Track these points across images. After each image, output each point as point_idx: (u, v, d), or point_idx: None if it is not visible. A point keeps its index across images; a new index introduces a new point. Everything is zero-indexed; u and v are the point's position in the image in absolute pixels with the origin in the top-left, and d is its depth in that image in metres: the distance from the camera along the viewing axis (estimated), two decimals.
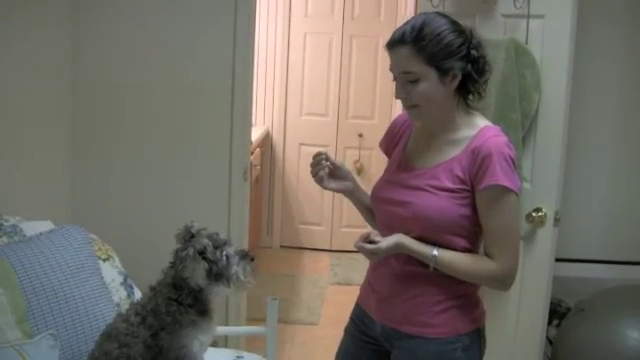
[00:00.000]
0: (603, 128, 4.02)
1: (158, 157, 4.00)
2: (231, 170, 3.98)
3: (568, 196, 3.39)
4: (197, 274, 2.39)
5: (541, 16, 3.15)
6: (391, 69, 2.33)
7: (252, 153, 5.69)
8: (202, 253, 2.40)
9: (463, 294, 2.39)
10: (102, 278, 2.92)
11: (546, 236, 3.24)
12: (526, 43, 3.17)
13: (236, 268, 2.44)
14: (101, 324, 2.66)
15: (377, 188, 2.51)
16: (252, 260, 2.51)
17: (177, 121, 3.96)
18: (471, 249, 2.34)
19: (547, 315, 3.35)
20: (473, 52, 2.29)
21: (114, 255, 3.24)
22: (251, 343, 4.30)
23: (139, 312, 2.46)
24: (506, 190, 2.23)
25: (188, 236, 2.45)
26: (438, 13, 2.36)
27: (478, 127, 2.33)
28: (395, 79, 2.33)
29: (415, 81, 2.27)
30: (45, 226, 3.07)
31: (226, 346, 4.05)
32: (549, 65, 3.14)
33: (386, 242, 2.28)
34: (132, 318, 2.44)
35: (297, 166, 7.22)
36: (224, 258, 2.43)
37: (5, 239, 2.87)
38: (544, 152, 3.21)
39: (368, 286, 2.56)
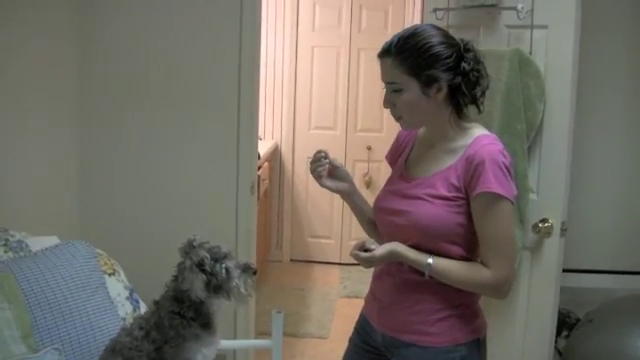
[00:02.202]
0: (609, 137, 4.00)
1: (165, 172, 4.01)
2: (238, 184, 3.98)
3: (575, 206, 3.37)
4: (195, 286, 2.39)
5: (544, 26, 3.15)
6: (381, 79, 2.38)
7: (261, 167, 5.70)
8: (201, 265, 2.40)
9: (462, 303, 2.40)
10: (108, 293, 2.92)
11: (553, 247, 3.22)
12: (530, 53, 3.17)
13: (237, 281, 2.43)
14: (106, 338, 2.65)
15: (379, 199, 2.54)
16: (254, 274, 2.51)
17: (183, 135, 3.96)
18: (468, 257, 2.35)
19: (555, 326, 3.33)
20: (464, 65, 2.31)
21: (120, 269, 3.24)
22: (259, 357, 4.30)
23: (143, 326, 2.45)
24: (499, 197, 2.24)
25: (189, 249, 2.47)
26: (432, 25, 2.39)
27: (473, 136, 2.35)
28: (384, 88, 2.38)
29: (398, 91, 2.32)
30: (51, 241, 3.07)
31: (234, 358, 4.05)
32: (553, 75, 3.13)
33: (380, 250, 2.31)
34: (136, 332, 2.44)
35: (306, 180, 7.22)
36: (224, 271, 2.42)
37: (11, 254, 2.88)
38: (550, 162, 3.20)
39: (371, 295, 2.60)
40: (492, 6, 3.37)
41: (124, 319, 2.98)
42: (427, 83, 2.29)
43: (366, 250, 2.33)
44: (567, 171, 3.17)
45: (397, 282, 2.42)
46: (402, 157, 2.56)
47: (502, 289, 2.33)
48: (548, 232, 3.20)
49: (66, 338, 2.59)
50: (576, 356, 3.51)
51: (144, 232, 4.02)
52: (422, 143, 2.50)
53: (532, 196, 3.22)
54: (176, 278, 2.47)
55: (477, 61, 2.35)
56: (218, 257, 2.44)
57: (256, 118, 4.10)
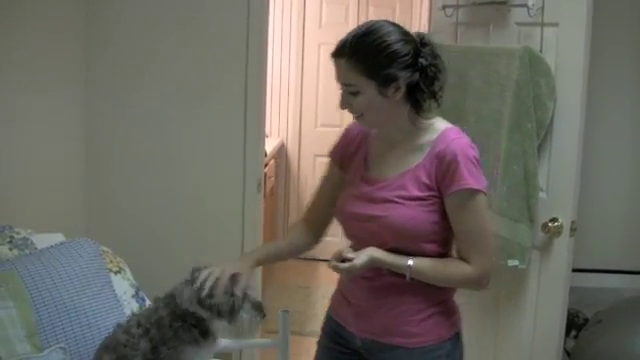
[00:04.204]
0: (619, 136, 3.98)
1: (172, 169, 3.99)
2: (245, 182, 3.97)
3: (585, 206, 3.34)
4: (191, 303, 2.35)
5: (555, 24, 3.12)
6: (336, 79, 2.31)
7: (267, 165, 5.68)
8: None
9: (443, 300, 2.40)
10: (113, 291, 2.90)
11: (562, 246, 3.19)
12: (540, 51, 3.14)
13: (242, 314, 2.36)
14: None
15: (343, 203, 2.46)
16: (263, 317, 2.44)
17: (189, 133, 3.95)
18: (444, 253, 2.35)
19: (564, 326, 3.30)
20: (421, 61, 2.26)
21: (126, 268, 3.23)
22: (265, 356, 4.28)
23: (142, 323, 2.43)
24: (475, 192, 2.24)
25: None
26: (387, 21, 2.31)
27: (438, 130, 2.32)
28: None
29: (355, 93, 2.25)
30: (56, 239, 3.06)
31: (240, 359, 4.03)
32: (564, 73, 3.10)
33: (360, 259, 2.24)
34: (133, 329, 2.41)
35: (312, 177, 7.19)
36: (229, 296, 2.35)
37: (16, 252, 2.87)
38: (560, 161, 3.17)
39: (342, 299, 2.53)
40: (502, 3, 3.34)
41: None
42: (385, 83, 2.23)
43: (344, 260, 2.26)
44: (577, 170, 3.14)
45: (376, 286, 2.36)
46: (358, 158, 2.49)
47: (483, 282, 2.35)
48: (558, 232, 3.17)
49: (71, 337, 2.57)
50: (585, 356, 3.49)
51: (150, 230, 4.00)
52: (381, 142, 2.44)
53: (542, 195, 3.19)
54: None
55: (434, 55, 2.30)
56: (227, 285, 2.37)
57: (263, 116, 4.08)
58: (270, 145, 6.19)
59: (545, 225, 3.18)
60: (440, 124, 2.36)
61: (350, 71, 2.23)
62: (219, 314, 2.34)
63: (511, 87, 3.14)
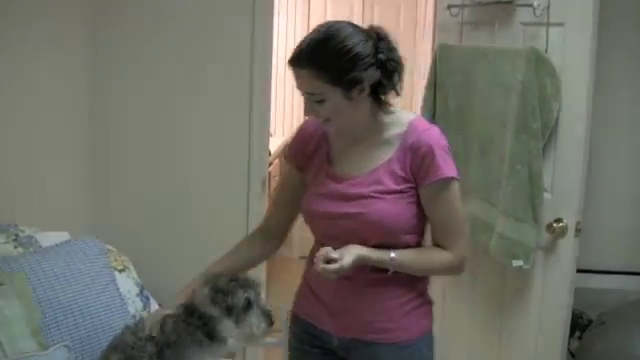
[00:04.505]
0: (625, 137, 3.97)
1: (176, 168, 3.99)
2: (249, 181, 3.96)
3: (589, 206, 3.34)
4: (211, 308, 2.32)
5: (561, 24, 3.11)
6: (296, 86, 2.27)
7: (271, 164, 5.67)
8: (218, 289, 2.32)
9: (422, 292, 2.42)
10: (118, 289, 2.91)
11: (567, 247, 3.19)
12: (546, 52, 3.13)
13: (252, 320, 2.33)
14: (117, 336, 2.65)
15: (309, 203, 2.42)
16: (271, 324, 2.40)
17: (194, 132, 3.94)
18: (420, 242, 2.36)
19: (568, 327, 3.30)
20: (380, 56, 2.21)
21: (130, 266, 3.23)
22: (269, 353, 4.28)
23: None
24: (450, 180, 2.26)
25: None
26: (342, 22, 2.25)
27: (405, 122, 2.31)
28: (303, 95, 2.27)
29: (320, 101, 2.21)
30: (61, 237, 3.06)
31: (244, 358, 4.03)
32: (569, 74, 3.10)
33: (347, 259, 2.18)
34: (140, 333, 2.40)
35: None
36: (243, 299, 2.32)
37: (21, 250, 2.87)
38: (565, 161, 3.16)
39: (311, 296, 2.49)
40: (507, 3, 3.34)
41: (134, 316, 2.97)
42: (349, 87, 2.18)
43: (330, 261, 2.18)
44: (582, 171, 3.13)
45: (356, 283, 2.33)
46: (319, 156, 2.44)
47: (462, 267, 2.39)
48: (562, 232, 3.17)
49: (75, 335, 2.58)
50: (588, 357, 3.49)
51: (155, 228, 4.00)
52: (343, 139, 2.39)
53: (546, 195, 3.18)
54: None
55: (390, 48, 2.25)
56: (241, 284, 2.35)
57: (268, 114, 4.08)
58: (274, 144, 6.18)
59: (550, 225, 3.18)
60: (404, 116, 2.34)
61: (313, 80, 2.19)
62: (229, 312, 2.31)
63: (516, 87, 3.13)
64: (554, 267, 3.25)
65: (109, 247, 3.13)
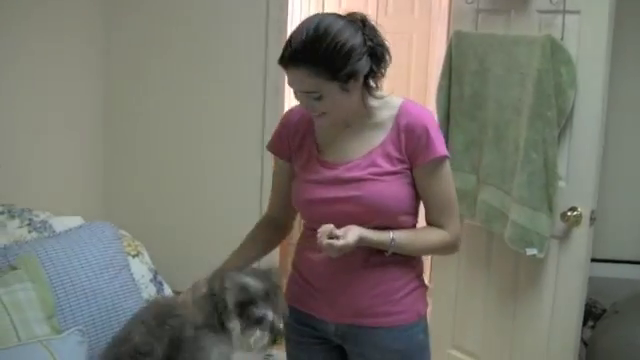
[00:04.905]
0: None
1: (189, 153, 3.98)
2: (263, 166, 3.95)
3: (604, 195, 3.32)
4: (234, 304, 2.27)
5: (577, 12, 3.09)
6: (289, 84, 2.25)
7: None
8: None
9: (418, 275, 2.42)
10: (131, 274, 2.92)
11: (582, 236, 3.18)
12: (562, 39, 3.11)
13: (259, 333, 2.29)
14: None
15: (304, 191, 2.39)
16: (274, 341, 2.35)
17: (208, 116, 3.93)
18: (415, 223, 2.37)
19: (582, 317, 3.29)
20: (369, 43, 2.19)
21: (144, 251, 3.23)
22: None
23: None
24: (445, 158, 2.28)
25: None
26: (329, 15, 2.23)
27: (396, 105, 2.31)
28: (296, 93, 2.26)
29: (319, 98, 2.19)
30: (74, 222, 3.07)
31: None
32: (585, 62, 3.08)
33: (351, 237, 2.16)
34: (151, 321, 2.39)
35: None
36: (262, 313, 2.28)
37: (35, 234, 2.88)
38: (580, 150, 3.15)
39: (305, 285, 2.46)
40: None
41: (148, 301, 2.97)
42: (347, 80, 2.18)
43: (332, 238, 2.16)
44: (597, 159, 3.12)
45: (353, 267, 2.31)
46: (307, 144, 2.41)
47: (458, 245, 2.41)
48: (577, 221, 3.16)
49: (89, 319, 2.59)
50: (601, 347, 3.47)
51: (168, 214, 4.00)
52: (332, 126, 2.35)
53: (561, 184, 3.17)
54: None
55: (374, 31, 2.24)
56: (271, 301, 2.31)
57: (281, 102, 4.06)
58: None
59: (564, 214, 3.17)
60: (393, 99, 2.33)
61: (310, 78, 2.17)
62: (242, 314, 2.27)
63: (532, 75, 3.11)
64: (568, 256, 3.24)
65: (122, 232, 3.14)
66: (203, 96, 3.91)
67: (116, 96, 3.96)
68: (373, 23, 2.25)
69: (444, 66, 3.73)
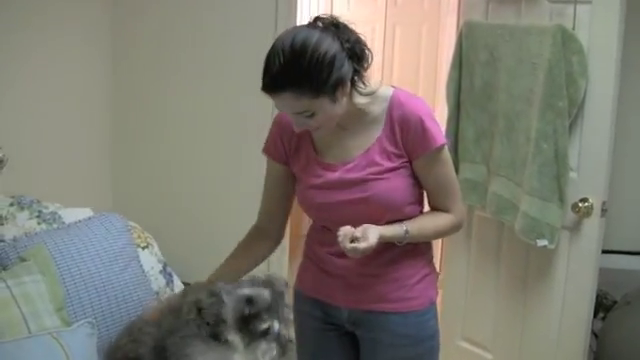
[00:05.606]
0: None
1: (199, 145, 3.98)
2: None
3: (615, 186, 3.31)
4: (232, 317, 2.26)
5: (588, 1, 3.07)
6: (278, 108, 2.22)
7: None
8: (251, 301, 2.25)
9: (428, 261, 2.44)
10: (141, 266, 2.91)
11: (592, 227, 3.16)
12: (573, 29, 3.09)
13: (265, 345, 2.29)
14: (139, 312, 2.65)
15: (311, 196, 2.37)
16: (282, 354, 2.34)
17: (217, 107, 3.92)
18: (421, 209, 2.37)
19: (593, 308, 3.28)
20: (347, 45, 2.12)
21: (153, 243, 3.23)
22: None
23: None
24: (443, 146, 2.27)
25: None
26: (302, 27, 2.16)
27: (386, 97, 2.27)
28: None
29: (311, 115, 2.14)
30: (84, 213, 3.07)
31: None
32: (597, 51, 3.06)
33: (372, 239, 2.15)
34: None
35: None
36: (266, 325, 2.27)
37: (44, 226, 2.88)
38: (591, 140, 3.13)
39: (322, 274, 2.46)
40: None
41: (157, 293, 2.98)
42: (334, 92, 2.12)
43: (353, 240, 2.15)
44: (609, 150, 3.10)
45: (371, 257, 2.26)
46: (305, 147, 2.38)
47: (462, 224, 2.43)
48: (588, 212, 3.14)
49: (99, 311, 2.59)
50: (612, 338, 3.47)
51: (177, 205, 4.00)
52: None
53: (572, 175, 3.16)
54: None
55: (347, 29, 2.17)
56: (273, 307, 2.30)
57: None
58: None
59: (575, 205, 3.15)
60: (382, 91, 2.28)
61: (298, 101, 2.11)
62: (244, 328, 2.27)
63: (543, 65, 3.10)
64: (579, 247, 3.22)
65: (132, 224, 3.14)
66: (212, 88, 3.90)
67: (125, 88, 3.96)
68: (344, 21, 2.18)
69: (454, 57, 3.72)
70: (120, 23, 3.91)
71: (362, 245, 2.14)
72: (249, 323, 2.26)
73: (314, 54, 2.07)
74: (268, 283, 2.35)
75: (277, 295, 2.34)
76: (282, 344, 2.33)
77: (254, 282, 2.35)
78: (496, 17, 3.57)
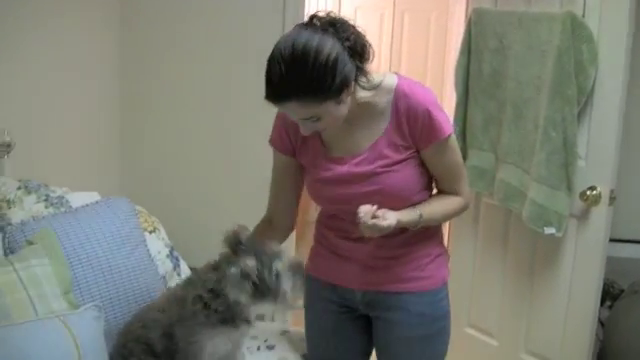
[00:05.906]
0: None
1: (206, 129, 3.98)
2: None
3: (624, 174, 3.29)
4: (241, 297, 2.25)
5: None
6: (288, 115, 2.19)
7: None
8: (248, 276, 2.23)
9: (441, 240, 2.50)
10: (148, 250, 2.91)
11: (600, 216, 3.16)
12: (583, 16, 3.08)
13: (284, 287, 2.27)
14: (146, 296, 2.66)
15: (321, 190, 2.39)
16: (302, 276, 2.35)
17: (225, 92, 3.92)
18: (430, 193, 2.41)
19: (599, 297, 3.27)
20: (347, 44, 2.08)
21: (160, 227, 3.23)
22: (298, 318, 4.29)
23: (168, 297, 2.43)
24: (450, 135, 2.28)
25: (235, 246, 2.30)
26: (306, 31, 2.09)
27: (390, 89, 2.25)
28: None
29: (318, 119, 2.13)
30: (91, 197, 3.06)
31: (272, 321, 4.04)
32: (606, 39, 3.04)
33: (392, 220, 2.17)
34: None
35: None
36: (273, 277, 2.26)
37: (51, 210, 2.88)
38: (600, 129, 3.12)
39: (335, 257, 2.48)
40: None
41: (164, 277, 2.98)
42: (339, 94, 2.09)
43: (373, 217, 2.16)
44: (617, 138, 3.09)
45: (386, 240, 2.31)
46: (312, 140, 2.36)
47: (469, 205, 2.49)
48: (596, 200, 3.14)
49: (106, 295, 2.59)
50: (619, 327, 3.46)
51: (184, 189, 4.01)
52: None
53: (581, 163, 3.15)
54: (219, 266, 2.32)
55: (345, 25, 2.13)
56: (268, 262, 2.27)
57: None
58: None
59: (583, 193, 3.15)
60: (385, 80, 2.26)
61: (303, 108, 2.10)
62: (262, 295, 2.27)
63: (552, 53, 3.08)
64: (586, 235, 3.22)
65: (139, 208, 3.13)
66: (220, 76, 3.90)
67: (133, 72, 3.96)
68: (341, 17, 2.15)
69: (463, 44, 3.70)
70: (129, 4, 3.90)
71: (384, 222, 2.15)
72: (259, 287, 2.26)
73: (317, 60, 2.02)
74: (272, 254, 2.32)
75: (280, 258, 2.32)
76: (298, 269, 2.33)
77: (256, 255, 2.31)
78: (505, 4, 3.55)
